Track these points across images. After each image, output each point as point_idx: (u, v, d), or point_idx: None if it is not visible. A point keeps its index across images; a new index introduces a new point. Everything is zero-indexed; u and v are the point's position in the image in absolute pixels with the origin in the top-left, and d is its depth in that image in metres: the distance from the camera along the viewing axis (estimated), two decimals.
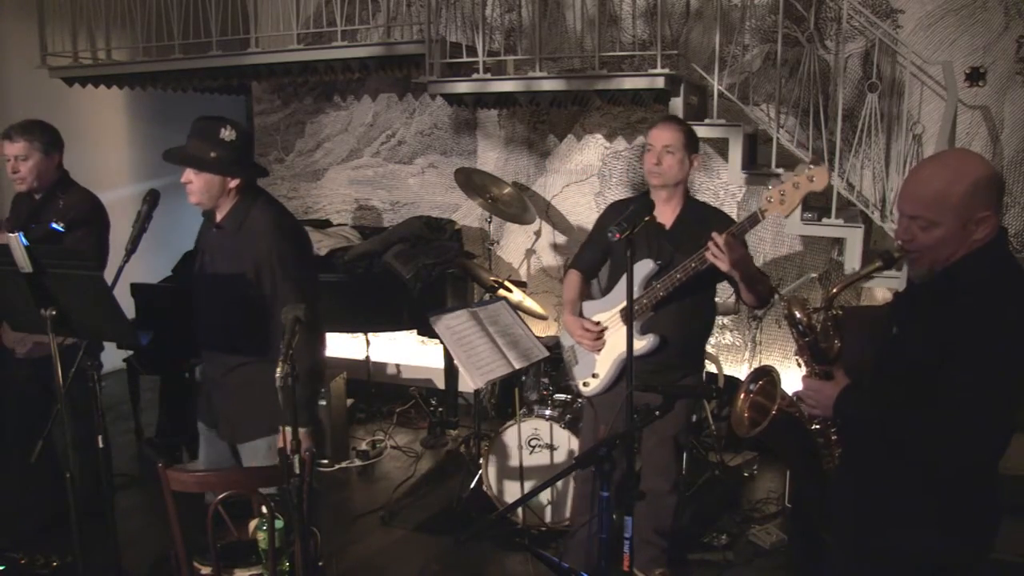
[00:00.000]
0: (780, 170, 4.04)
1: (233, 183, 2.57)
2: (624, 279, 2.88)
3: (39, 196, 3.30)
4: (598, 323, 2.97)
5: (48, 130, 3.30)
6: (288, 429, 2.07)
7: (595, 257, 3.14)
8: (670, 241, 2.86)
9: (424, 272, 4.56)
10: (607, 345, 2.95)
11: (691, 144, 2.87)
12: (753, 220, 2.60)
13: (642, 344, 2.81)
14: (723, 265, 2.58)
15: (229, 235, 2.61)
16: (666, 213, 2.90)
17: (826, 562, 2.07)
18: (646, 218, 2.41)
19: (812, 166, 2.51)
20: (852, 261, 3.88)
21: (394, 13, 5.27)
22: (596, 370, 2.99)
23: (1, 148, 3.25)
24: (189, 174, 2.55)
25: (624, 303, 2.85)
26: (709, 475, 4.15)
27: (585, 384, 3.02)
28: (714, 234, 2.59)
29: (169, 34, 5.09)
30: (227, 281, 2.61)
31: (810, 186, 2.50)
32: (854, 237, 3.94)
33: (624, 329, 2.84)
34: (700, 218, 2.84)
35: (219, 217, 2.62)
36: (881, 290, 4.49)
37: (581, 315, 3.04)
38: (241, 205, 2.61)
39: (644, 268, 2.84)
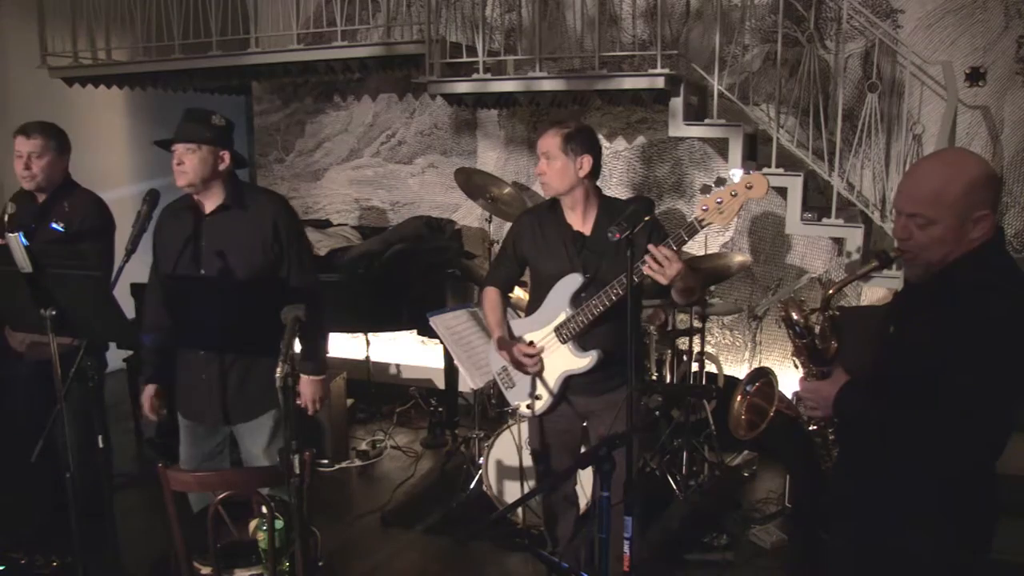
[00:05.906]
0: (780, 170, 4.04)
1: (223, 165, 2.69)
2: (553, 294, 2.73)
3: (43, 198, 3.29)
4: (531, 343, 2.79)
5: (62, 132, 3.32)
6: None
7: (512, 271, 2.96)
8: (592, 249, 2.67)
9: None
10: (547, 366, 2.77)
11: (575, 146, 2.64)
12: (691, 230, 2.38)
13: (586, 361, 2.67)
14: (662, 279, 2.38)
15: (234, 215, 2.71)
16: (578, 219, 2.74)
17: (825, 562, 2.06)
18: (646, 217, 2.35)
19: (751, 172, 2.40)
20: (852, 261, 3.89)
21: (394, 13, 5.27)
22: (538, 392, 2.81)
23: (14, 144, 3.24)
24: (183, 155, 2.63)
25: (558, 320, 2.72)
26: (709, 475, 4.15)
27: (529, 407, 2.83)
28: (651, 247, 2.36)
29: (169, 34, 5.09)
30: (241, 260, 2.69)
31: (748, 194, 2.35)
32: (854, 237, 3.94)
33: (563, 348, 2.72)
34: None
35: (216, 202, 2.71)
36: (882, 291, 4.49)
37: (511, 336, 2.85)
38: (235, 187, 2.74)
39: (572, 283, 2.67)
